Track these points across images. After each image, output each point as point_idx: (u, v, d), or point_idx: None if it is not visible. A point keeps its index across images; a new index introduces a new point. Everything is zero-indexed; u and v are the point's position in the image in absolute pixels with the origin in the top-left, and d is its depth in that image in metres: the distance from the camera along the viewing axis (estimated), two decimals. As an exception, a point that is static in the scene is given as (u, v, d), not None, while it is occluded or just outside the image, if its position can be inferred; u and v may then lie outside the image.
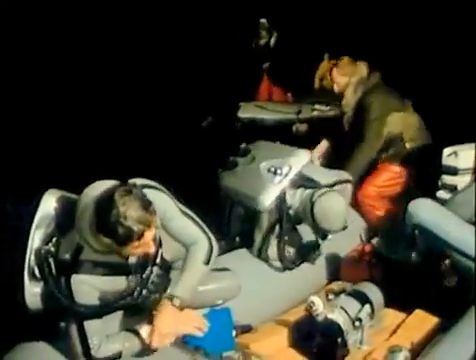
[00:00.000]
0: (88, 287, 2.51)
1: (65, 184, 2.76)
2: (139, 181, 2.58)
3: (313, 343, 2.88)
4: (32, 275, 2.59)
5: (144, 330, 2.62)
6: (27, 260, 2.58)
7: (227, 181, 3.74)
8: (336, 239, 3.53)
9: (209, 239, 2.75)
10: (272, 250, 3.49)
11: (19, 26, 6.32)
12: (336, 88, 4.33)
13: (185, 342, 2.70)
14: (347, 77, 4.24)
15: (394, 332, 3.03)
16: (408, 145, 4.18)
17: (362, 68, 4.24)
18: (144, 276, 2.64)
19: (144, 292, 2.65)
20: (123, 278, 2.61)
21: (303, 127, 5.42)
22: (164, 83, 6.45)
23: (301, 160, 3.57)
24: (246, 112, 5.65)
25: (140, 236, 2.37)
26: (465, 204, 3.27)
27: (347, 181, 3.68)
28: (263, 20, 6.42)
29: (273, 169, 3.50)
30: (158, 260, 2.67)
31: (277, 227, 3.47)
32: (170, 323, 2.59)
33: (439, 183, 3.92)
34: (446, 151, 3.93)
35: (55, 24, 6.40)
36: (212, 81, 6.27)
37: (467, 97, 4.76)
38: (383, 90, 4.21)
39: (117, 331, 2.70)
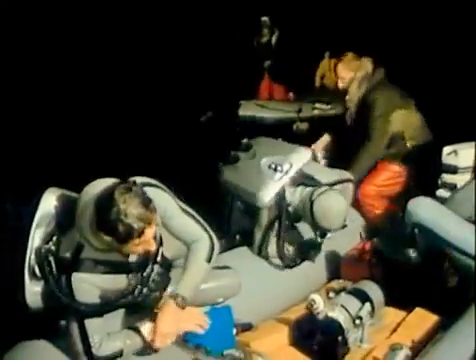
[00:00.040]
0: (89, 285, 2.50)
1: (65, 182, 2.76)
2: (139, 179, 2.58)
3: (314, 341, 2.88)
4: (33, 274, 2.59)
5: (145, 328, 2.62)
6: (27, 259, 2.58)
7: (228, 175, 3.74)
8: (336, 237, 3.53)
9: (210, 237, 2.75)
10: (272, 248, 3.50)
11: (19, 26, 6.33)
12: (340, 84, 4.28)
13: (186, 340, 2.71)
14: (352, 72, 4.20)
15: (394, 330, 3.03)
16: (409, 144, 4.17)
17: (367, 64, 4.22)
18: (145, 274, 2.64)
19: (145, 290, 2.65)
20: (124, 276, 2.61)
21: (304, 125, 5.44)
22: (165, 81, 6.46)
23: (302, 158, 3.57)
24: (247, 110, 5.66)
25: (140, 234, 2.37)
26: (465, 202, 3.27)
27: (348, 180, 3.67)
28: (265, 18, 6.43)
29: (274, 166, 3.50)
30: (159, 258, 2.66)
31: (276, 224, 3.47)
32: (172, 322, 2.59)
33: (439, 182, 3.92)
34: (446, 150, 3.94)
35: (55, 24, 6.41)
36: (213, 79, 6.28)
37: (467, 96, 4.77)
38: (387, 87, 4.19)
39: (118, 329, 2.70)
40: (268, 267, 3.51)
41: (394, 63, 4.29)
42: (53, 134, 5.54)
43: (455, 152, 3.89)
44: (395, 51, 5.22)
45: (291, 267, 3.49)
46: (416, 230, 3.17)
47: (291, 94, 6.31)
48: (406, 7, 5.80)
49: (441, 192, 3.86)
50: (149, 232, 2.42)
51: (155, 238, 2.55)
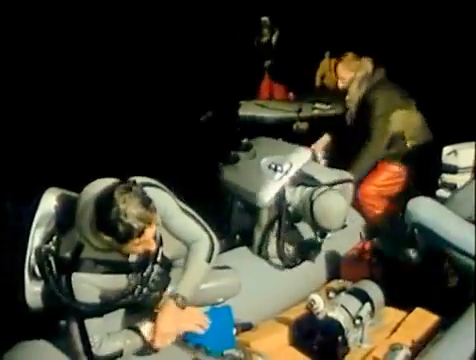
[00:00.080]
0: (89, 285, 2.50)
1: (65, 182, 2.76)
2: (139, 179, 2.58)
3: (314, 341, 2.88)
4: (32, 274, 2.58)
5: (145, 328, 2.62)
6: (27, 259, 2.58)
7: (228, 175, 3.74)
8: (336, 237, 3.53)
9: (210, 237, 2.75)
10: (272, 247, 3.50)
11: (19, 26, 6.33)
12: (340, 84, 4.27)
13: (186, 340, 2.71)
14: (352, 72, 4.19)
15: (394, 330, 3.02)
16: (409, 144, 4.16)
17: (367, 63, 4.21)
18: (144, 274, 2.64)
19: (144, 290, 2.65)
20: (124, 276, 2.61)
21: (304, 125, 5.44)
22: (165, 81, 6.46)
23: (302, 158, 3.57)
24: (247, 110, 5.67)
25: (140, 233, 2.37)
26: (464, 202, 3.26)
27: (348, 181, 3.67)
28: (265, 18, 6.43)
29: (274, 166, 3.50)
30: (159, 258, 2.66)
31: (276, 224, 3.47)
32: (172, 322, 2.59)
33: (439, 182, 3.92)
34: (446, 150, 3.94)
35: (55, 24, 6.41)
36: (214, 79, 6.28)
37: (467, 96, 4.77)
38: (388, 86, 4.18)
39: (118, 329, 2.70)
40: (268, 267, 3.51)
41: (394, 63, 4.28)
42: (53, 134, 5.54)
43: (455, 152, 3.89)
44: (395, 51, 5.22)
45: (291, 267, 3.49)
46: (416, 230, 3.17)
47: (291, 94, 6.31)
48: (405, 7, 5.81)
49: (441, 192, 3.85)
50: (149, 232, 2.42)
51: (155, 238, 2.55)
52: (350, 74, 4.21)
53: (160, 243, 2.67)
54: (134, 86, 6.36)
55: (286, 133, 4.53)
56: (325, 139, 4.50)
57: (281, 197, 3.44)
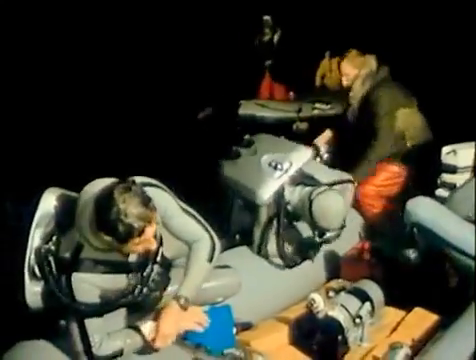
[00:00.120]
0: (88, 285, 2.50)
1: (65, 182, 2.76)
2: (139, 179, 2.57)
3: (314, 340, 2.88)
4: (32, 274, 2.59)
5: (146, 327, 2.62)
6: (27, 259, 2.58)
7: (228, 171, 3.73)
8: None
9: (211, 237, 2.74)
10: (271, 246, 3.50)
11: (19, 26, 6.32)
12: (344, 81, 4.24)
13: (186, 339, 2.71)
14: (356, 69, 4.16)
15: (394, 329, 3.03)
16: (409, 143, 4.16)
17: (371, 61, 4.19)
18: (144, 274, 2.64)
19: (145, 290, 2.65)
20: (123, 276, 2.61)
21: (303, 125, 5.44)
22: (166, 80, 6.46)
23: (302, 157, 3.57)
24: (247, 110, 5.67)
25: (141, 233, 2.37)
26: (464, 202, 3.26)
27: (348, 181, 3.66)
28: (267, 17, 6.42)
29: (274, 164, 3.50)
30: (159, 258, 2.67)
31: (275, 222, 3.47)
32: (174, 323, 2.59)
33: (438, 181, 3.92)
34: (445, 149, 3.94)
35: (55, 24, 6.40)
36: (214, 78, 6.27)
37: (467, 96, 4.76)
38: (391, 84, 4.16)
39: (118, 329, 2.70)
40: (268, 266, 3.50)
41: (394, 63, 4.28)
42: (53, 134, 5.54)
43: (454, 152, 3.89)
44: (395, 51, 5.22)
45: (291, 267, 3.49)
46: (415, 230, 3.17)
47: (291, 94, 6.32)
48: (405, 8, 5.81)
49: (440, 192, 3.85)
50: (149, 231, 2.41)
51: (155, 237, 2.55)
52: (354, 71, 4.18)
53: (160, 243, 2.67)
54: (134, 85, 6.36)
55: (286, 133, 4.52)
56: (327, 134, 4.49)
57: (280, 195, 3.44)
